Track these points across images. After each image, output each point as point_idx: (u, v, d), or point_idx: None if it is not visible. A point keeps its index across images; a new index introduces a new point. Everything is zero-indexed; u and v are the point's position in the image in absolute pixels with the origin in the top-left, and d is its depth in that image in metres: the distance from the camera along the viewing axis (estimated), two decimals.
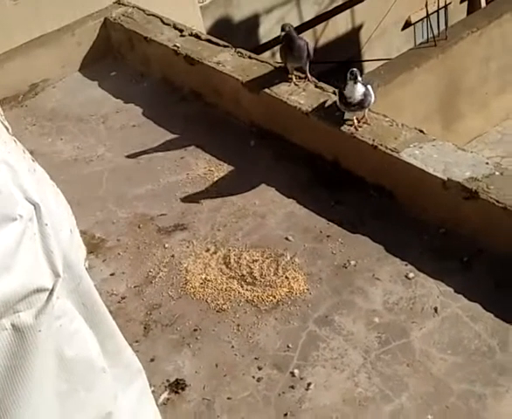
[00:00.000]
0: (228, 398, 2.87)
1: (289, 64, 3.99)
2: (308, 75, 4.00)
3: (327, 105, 3.79)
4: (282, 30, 3.84)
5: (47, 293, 1.60)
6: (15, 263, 1.54)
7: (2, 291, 1.50)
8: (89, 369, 1.78)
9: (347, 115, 3.60)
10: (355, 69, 3.40)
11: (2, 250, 1.51)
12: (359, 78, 3.39)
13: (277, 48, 9.16)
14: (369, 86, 3.49)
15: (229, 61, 4.41)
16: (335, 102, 3.66)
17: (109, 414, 1.84)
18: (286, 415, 2.78)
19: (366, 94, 3.43)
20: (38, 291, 1.58)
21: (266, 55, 8.28)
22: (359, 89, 3.40)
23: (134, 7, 5.22)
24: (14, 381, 1.57)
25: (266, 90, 4.06)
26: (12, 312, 1.54)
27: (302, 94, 3.95)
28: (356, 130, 3.56)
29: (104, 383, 1.82)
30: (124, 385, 1.94)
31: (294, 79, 3.98)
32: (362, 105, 3.46)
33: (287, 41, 3.89)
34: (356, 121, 3.58)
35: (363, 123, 3.58)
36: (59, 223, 1.74)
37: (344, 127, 3.62)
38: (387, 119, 3.63)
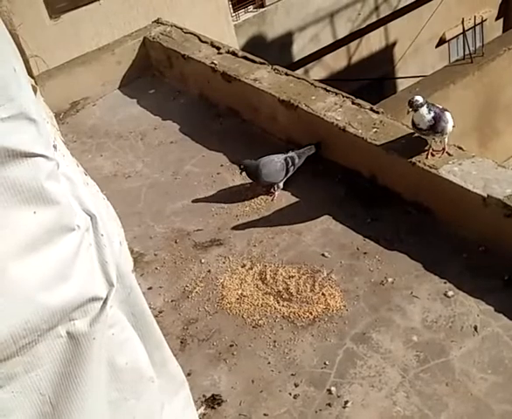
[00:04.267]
0: (264, 414, 2.86)
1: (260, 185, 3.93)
2: (276, 193, 3.89)
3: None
4: (239, 166, 3.91)
5: (101, 302, 1.62)
6: (72, 272, 1.56)
7: (59, 299, 1.52)
8: (138, 379, 1.79)
9: (430, 142, 3.52)
10: (415, 97, 3.40)
11: (60, 260, 1.54)
12: (419, 106, 3.37)
13: (311, 65, 9.24)
14: (447, 113, 3.44)
15: (265, 78, 4.44)
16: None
17: None
18: None
19: (437, 120, 3.38)
20: (93, 299, 1.60)
21: (300, 72, 8.31)
22: (425, 115, 3.38)
23: (172, 26, 5.30)
24: (68, 388, 1.58)
25: (303, 106, 4.07)
26: (68, 320, 1.56)
27: (339, 111, 3.96)
28: (427, 158, 3.47)
29: (152, 393, 1.83)
30: (169, 396, 1.95)
31: None
32: (434, 130, 3.40)
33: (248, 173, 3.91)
34: (431, 149, 3.50)
35: (443, 152, 3.47)
36: (111, 235, 1.77)
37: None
38: None
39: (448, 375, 2.85)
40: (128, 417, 1.77)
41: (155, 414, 1.86)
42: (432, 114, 3.38)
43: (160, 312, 3.35)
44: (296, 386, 2.93)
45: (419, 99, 3.39)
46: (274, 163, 3.84)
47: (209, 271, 3.54)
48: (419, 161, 3.48)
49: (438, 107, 3.44)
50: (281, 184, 3.89)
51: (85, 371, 1.60)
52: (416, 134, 3.58)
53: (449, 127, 3.42)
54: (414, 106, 3.38)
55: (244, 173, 3.94)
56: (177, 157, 4.42)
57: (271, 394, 2.93)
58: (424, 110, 3.38)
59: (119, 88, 5.22)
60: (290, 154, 3.88)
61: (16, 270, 1.45)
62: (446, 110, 3.48)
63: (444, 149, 3.47)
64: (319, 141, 3.93)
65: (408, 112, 3.44)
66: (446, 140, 3.47)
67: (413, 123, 3.47)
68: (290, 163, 3.85)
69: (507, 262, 3.17)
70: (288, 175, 3.87)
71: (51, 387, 1.56)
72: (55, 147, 1.62)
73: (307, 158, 3.91)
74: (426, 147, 3.52)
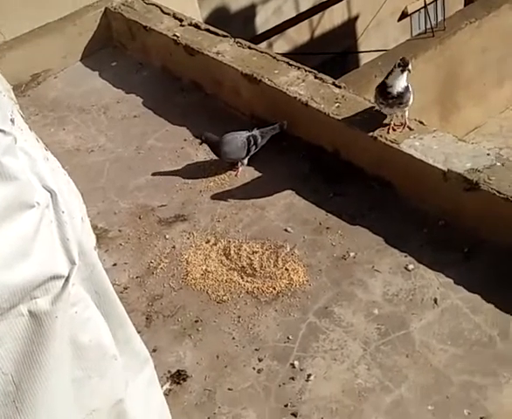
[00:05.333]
0: (229, 389, 2.89)
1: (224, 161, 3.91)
2: (239, 169, 3.86)
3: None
4: (200, 137, 3.91)
5: (63, 280, 1.61)
6: (32, 250, 1.54)
7: (19, 277, 1.51)
8: (102, 356, 1.79)
9: (388, 117, 3.47)
10: (407, 58, 3.26)
11: (20, 237, 1.52)
12: (410, 68, 3.25)
13: (274, 38, 9.19)
14: (410, 85, 3.37)
15: (228, 51, 4.40)
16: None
17: (121, 401, 1.85)
18: (286, 406, 2.80)
19: (407, 90, 3.29)
20: (55, 277, 1.59)
21: (263, 45, 8.26)
22: (404, 81, 3.27)
23: None
24: (31, 366, 1.58)
25: (266, 81, 4.06)
26: (29, 299, 1.54)
27: (302, 85, 3.96)
28: (388, 132, 3.43)
29: (116, 371, 1.83)
30: (134, 373, 1.95)
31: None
32: (401, 99, 3.30)
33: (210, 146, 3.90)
34: (392, 123, 3.46)
35: (404, 127, 3.43)
36: (73, 211, 1.75)
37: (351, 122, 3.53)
38: None
39: (408, 347, 2.91)
40: (92, 394, 1.78)
41: (119, 391, 1.86)
42: (406, 83, 3.32)
43: (125, 289, 3.34)
44: (260, 360, 2.97)
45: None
46: (236, 141, 3.82)
47: (173, 247, 3.53)
48: (381, 136, 3.51)
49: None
50: (246, 160, 3.88)
51: (47, 349, 1.60)
52: (376, 108, 3.58)
53: (412, 99, 3.42)
54: (405, 64, 3.23)
55: (208, 148, 3.93)
56: (141, 131, 4.37)
57: (235, 369, 2.95)
58: (405, 75, 3.28)
59: (81, 60, 5.12)
60: (254, 132, 3.86)
61: None
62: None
63: (405, 124, 3.49)
64: (283, 121, 3.91)
65: (392, 69, 3.28)
66: (407, 114, 3.49)
67: (384, 87, 3.32)
68: (252, 142, 3.83)
69: (466, 235, 3.23)
70: (250, 153, 3.86)
71: (13, 366, 1.55)
72: (12, 121, 1.59)
73: (271, 137, 3.90)
74: (386, 121, 3.53)
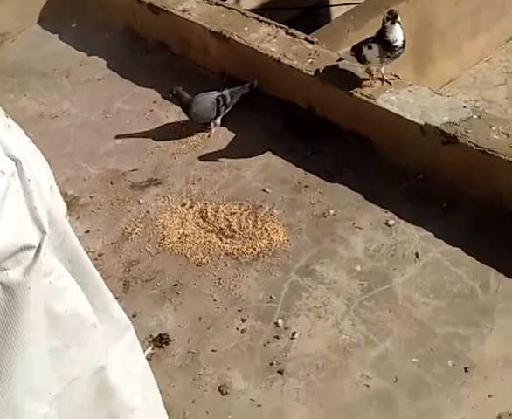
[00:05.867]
0: (213, 350, 2.86)
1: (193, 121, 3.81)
2: (212, 130, 3.78)
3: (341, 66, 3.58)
4: (171, 91, 3.78)
5: (34, 250, 1.58)
6: (0, 220, 1.50)
7: None
8: (80, 325, 1.77)
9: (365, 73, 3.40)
10: (395, 8, 3.23)
11: None
12: (399, 20, 3.21)
13: None
14: None
15: (195, 8, 4.28)
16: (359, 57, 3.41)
17: (102, 368, 1.84)
18: (272, 364, 2.78)
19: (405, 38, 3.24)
20: (25, 248, 1.56)
21: (230, 1, 8.08)
22: (400, 31, 3.22)
23: None
24: (6, 338, 1.56)
25: (236, 38, 3.96)
26: (0, 270, 1.51)
27: (273, 41, 3.87)
28: (369, 86, 3.39)
29: (95, 339, 1.82)
30: (114, 340, 1.93)
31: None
32: (403, 48, 3.25)
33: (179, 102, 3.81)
34: (372, 77, 3.41)
35: (383, 81, 3.39)
36: (40, 180, 1.70)
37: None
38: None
39: (392, 302, 2.92)
40: (71, 364, 1.76)
41: (100, 359, 1.85)
42: (403, 33, 3.26)
43: (100, 256, 3.26)
44: (243, 321, 2.93)
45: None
46: (205, 102, 3.73)
47: (148, 211, 3.45)
48: (356, 91, 3.46)
49: None
50: (218, 120, 3.79)
51: (22, 320, 1.58)
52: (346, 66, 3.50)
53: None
54: (394, 16, 3.19)
55: (179, 109, 3.83)
56: (107, 95, 4.23)
57: (218, 330, 2.92)
58: (398, 26, 3.23)
59: (38, 23, 4.91)
60: (224, 92, 3.77)
61: None
62: None
63: (383, 77, 3.44)
64: (254, 80, 3.82)
65: (384, 25, 3.22)
66: (383, 68, 3.44)
67: (387, 41, 3.26)
68: (222, 102, 3.74)
69: (445, 189, 3.23)
70: (221, 114, 3.76)
71: None
72: None
73: (241, 96, 3.81)
74: (363, 76, 3.48)
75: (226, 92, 3.78)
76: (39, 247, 1.58)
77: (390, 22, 3.23)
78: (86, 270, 1.82)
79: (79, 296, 1.77)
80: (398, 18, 3.22)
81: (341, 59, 3.62)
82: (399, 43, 3.26)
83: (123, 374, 1.93)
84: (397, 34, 3.25)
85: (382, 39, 3.28)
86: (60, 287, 1.70)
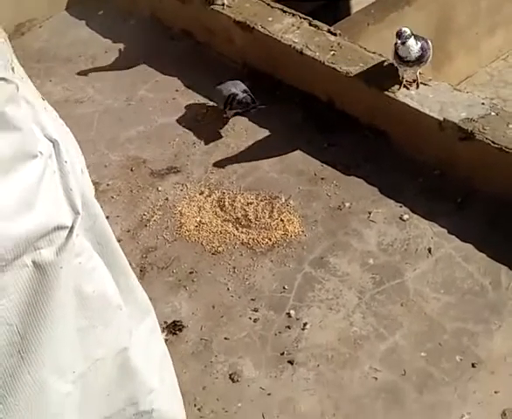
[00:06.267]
0: (225, 338, 2.91)
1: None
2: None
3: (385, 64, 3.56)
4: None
5: (67, 231, 1.61)
6: (36, 200, 1.54)
7: (23, 228, 1.50)
8: (106, 306, 1.81)
9: (400, 73, 3.40)
10: (403, 29, 3.22)
11: (24, 188, 1.50)
12: (408, 37, 3.22)
13: None
14: (429, 42, 3.31)
15: None
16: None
17: (125, 349, 1.88)
18: (282, 354, 2.83)
19: (424, 50, 3.25)
20: (59, 228, 1.59)
21: None
22: (414, 47, 3.23)
23: None
24: (36, 317, 1.59)
25: (260, 28, 3.98)
26: (33, 250, 1.54)
27: (297, 32, 3.89)
28: (399, 89, 3.39)
29: (120, 320, 1.86)
30: (137, 322, 1.97)
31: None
32: (420, 60, 3.27)
33: None
34: (405, 80, 3.39)
35: (416, 84, 3.39)
36: (74, 162, 1.74)
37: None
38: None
39: (403, 296, 2.94)
40: (96, 344, 1.81)
41: (124, 340, 1.89)
42: (420, 45, 3.25)
43: (118, 241, 3.27)
44: (256, 310, 2.98)
45: (407, 30, 3.22)
46: (219, 93, 3.78)
47: (166, 199, 3.51)
48: (376, 85, 3.47)
49: (421, 37, 3.32)
50: (228, 113, 3.79)
51: (52, 300, 1.61)
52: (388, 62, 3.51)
53: (431, 54, 3.33)
54: (403, 38, 3.20)
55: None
56: (130, 82, 4.28)
57: (231, 318, 2.97)
58: (412, 41, 3.23)
59: (66, 9, 4.98)
60: (239, 93, 3.70)
61: None
62: (427, 39, 3.35)
63: (417, 80, 3.40)
64: (262, 104, 3.74)
65: (396, 44, 3.24)
66: (419, 70, 3.40)
67: (399, 56, 3.29)
68: (230, 99, 3.71)
69: (460, 185, 3.24)
70: (231, 111, 3.75)
71: (18, 316, 1.57)
72: (13, 69, 1.56)
73: (248, 108, 3.74)
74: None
75: (241, 95, 3.71)
76: (72, 228, 1.62)
77: (400, 41, 3.22)
78: (113, 252, 1.86)
79: (106, 277, 1.81)
80: (407, 32, 3.20)
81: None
82: (412, 58, 3.26)
83: (144, 355, 1.98)
84: (407, 51, 3.24)
85: (396, 54, 3.31)
86: (89, 268, 1.74)
